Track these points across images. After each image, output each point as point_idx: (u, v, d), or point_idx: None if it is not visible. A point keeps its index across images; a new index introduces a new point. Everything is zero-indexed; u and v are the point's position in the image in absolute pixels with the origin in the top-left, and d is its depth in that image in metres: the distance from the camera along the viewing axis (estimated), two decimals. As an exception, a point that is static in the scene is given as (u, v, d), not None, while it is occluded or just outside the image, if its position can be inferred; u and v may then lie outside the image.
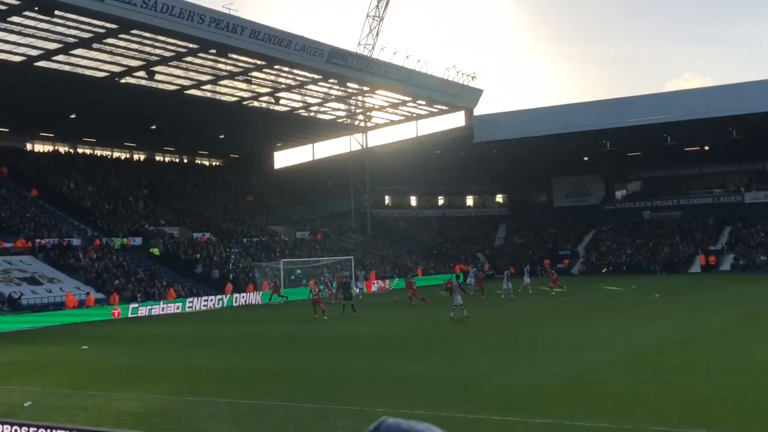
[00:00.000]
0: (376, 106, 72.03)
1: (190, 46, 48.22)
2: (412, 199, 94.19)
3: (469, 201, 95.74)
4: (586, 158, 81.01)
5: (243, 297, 51.46)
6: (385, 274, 66.75)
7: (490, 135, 73.71)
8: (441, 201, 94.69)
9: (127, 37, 45.97)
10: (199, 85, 58.11)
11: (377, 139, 79.81)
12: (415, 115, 75.01)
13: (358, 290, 50.57)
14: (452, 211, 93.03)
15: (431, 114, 74.47)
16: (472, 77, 69.49)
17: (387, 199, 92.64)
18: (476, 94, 72.62)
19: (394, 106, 71.16)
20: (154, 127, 66.01)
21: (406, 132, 78.60)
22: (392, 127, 78.76)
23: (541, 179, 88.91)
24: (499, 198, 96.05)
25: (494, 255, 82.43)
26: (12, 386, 18.99)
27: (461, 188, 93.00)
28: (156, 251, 55.51)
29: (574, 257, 79.03)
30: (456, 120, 75.37)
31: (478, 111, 74.25)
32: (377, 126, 78.65)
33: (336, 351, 24.17)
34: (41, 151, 68.54)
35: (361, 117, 76.01)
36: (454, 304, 32.96)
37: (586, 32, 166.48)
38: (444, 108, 72.47)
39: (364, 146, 79.19)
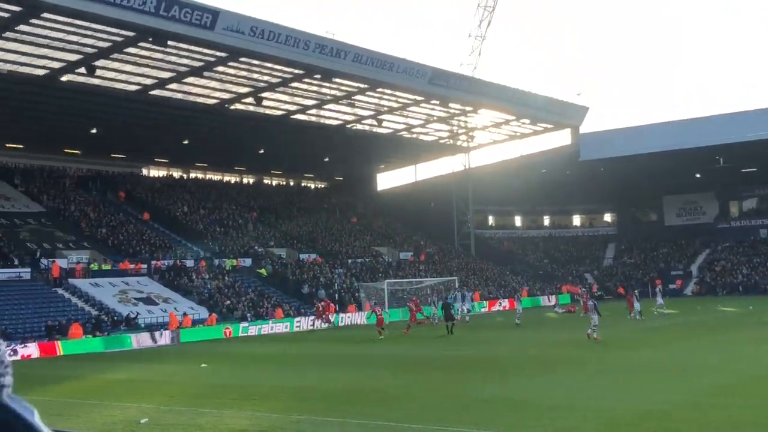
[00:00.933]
0: (479, 126, 71.74)
1: (296, 71, 49.32)
2: (517, 219, 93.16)
3: (576, 221, 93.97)
4: (698, 175, 78.26)
5: (348, 317, 51.97)
6: (490, 295, 66.11)
7: (598, 153, 72.17)
8: (547, 221, 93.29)
9: (235, 64, 47.44)
10: (304, 109, 59.32)
11: (480, 158, 79.45)
12: (518, 134, 74.30)
13: (465, 311, 50.24)
14: (558, 231, 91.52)
15: (535, 132, 73.61)
16: (578, 94, 68.42)
17: (491, 219, 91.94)
18: (582, 111, 71.39)
19: (497, 125, 70.72)
20: (262, 151, 67.74)
21: (510, 151, 77.94)
22: (495, 146, 78.24)
23: (651, 197, 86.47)
24: (608, 217, 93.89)
25: (603, 276, 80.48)
26: (128, 403, 19.67)
27: (568, 207, 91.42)
28: (263, 272, 56.77)
29: (687, 277, 76.30)
30: (561, 138, 74.25)
31: (584, 128, 72.95)
32: (480, 146, 78.29)
33: (443, 372, 24.02)
34: (156, 176, 71.35)
35: (463, 137, 75.86)
36: (592, 324, 32.29)
37: (695, 45, 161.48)
38: (549, 126, 71.53)
39: (467, 166, 78.92)
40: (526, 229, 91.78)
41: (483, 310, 60.62)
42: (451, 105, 61.14)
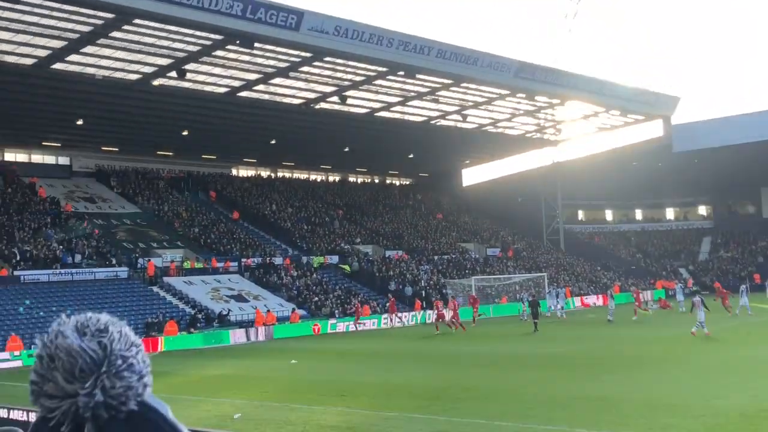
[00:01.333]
0: (567, 119, 70.47)
1: (380, 69, 49.43)
2: (608, 214, 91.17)
3: (670, 214, 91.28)
4: (799, 165, 74.90)
5: (435, 314, 51.71)
6: (581, 291, 64.90)
7: (691, 144, 69.83)
8: (639, 215, 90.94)
9: (320, 64, 47.87)
10: (388, 106, 59.42)
11: (568, 152, 78.01)
12: (608, 126, 72.64)
13: (560, 308, 49.39)
14: (651, 224, 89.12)
15: (625, 124, 71.80)
16: (667, 85, 66.37)
17: (580, 214, 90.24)
18: (673, 101, 69.25)
19: (585, 118, 69.31)
20: (347, 149, 68.24)
21: (599, 144, 76.24)
22: (584, 139, 76.70)
23: (748, 189, 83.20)
24: (702, 210, 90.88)
25: (698, 270, 77.97)
26: (222, 399, 20.07)
27: (660, 201, 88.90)
28: (347, 268, 57.21)
29: (788, 272, 73.11)
30: (652, 130, 72.16)
31: (676, 119, 70.73)
32: (568, 139, 76.89)
33: (534, 370, 23.66)
34: (245, 175, 72.75)
35: (551, 130, 74.65)
36: (698, 320, 31.45)
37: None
38: (639, 117, 69.67)
39: (555, 160, 77.66)
40: (617, 224, 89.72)
41: (576, 306, 59.34)
42: (537, 98, 60.25)
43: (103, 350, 1.65)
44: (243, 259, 53.51)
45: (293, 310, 47.20)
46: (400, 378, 22.94)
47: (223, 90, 51.24)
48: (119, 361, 1.66)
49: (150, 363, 1.76)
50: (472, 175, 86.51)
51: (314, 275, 54.66)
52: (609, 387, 19.07)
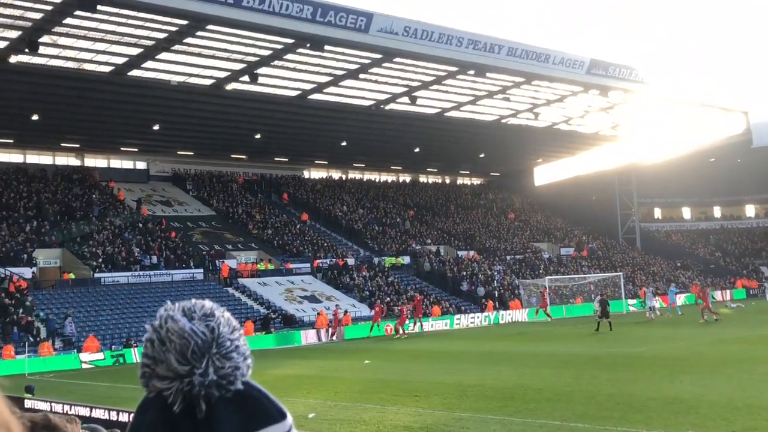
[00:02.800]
0: (641, 115, 68.98)
1: (450, 69, 49.28)
2: (685, 211, 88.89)
3: (750, 211, 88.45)
4: None
5: (509, 314, 51.38)
6: (658, 291, 63.43)
7: (771, 138, 67.68)
8: (717, 212, 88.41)
9: (390, 65, 48.00)
10: (458, 106, 59.19)
11: (643, 149, 76.32)
12: (684, 121, 70.84)
13: (674, 305, 48.36)
14: (731, 222, 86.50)
15: (703, 120, 69.91)
16: (746, 78, 64.37)
17: (657, 212, 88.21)
18: (750, 96, 67.13)
19: (659, 113, 67.75)
20: (417, 149, 68.23)
21: (675, 140, 74.38)
22: (659, 135, 74.95)
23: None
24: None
25: (781, 269, 75.40)
26: (296, 398, 20.28)
27: (740, 197, 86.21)
28: (389, 262, 57.14)
29: None
30: (731, 125, 70.11)
31: (755, 114, 68.55)
32: (643, 136, 75.23)
33: (609, 371, 23.23)
34: (316, 177, 73.44)
35: (625, 127, 73.20)
36: None
37: None
38: (716, 113, 67.78)
39: (630, 158, 76.11)
40: (695, 221, 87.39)
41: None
42: (610, 95, 59.18)
43: (211, 333, 1.74)
44: (315, 260, 54.03)
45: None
46: (473, 378, 22.81)
47: (294, 93, 51.84)
48: (228, 343, 1.75)
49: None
50: (545, 174, 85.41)
51: (386, 276, 54.83)
52: (687, 388, 18.59)
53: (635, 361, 25.35)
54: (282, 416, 1.77)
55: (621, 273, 59.67)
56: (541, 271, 61.48)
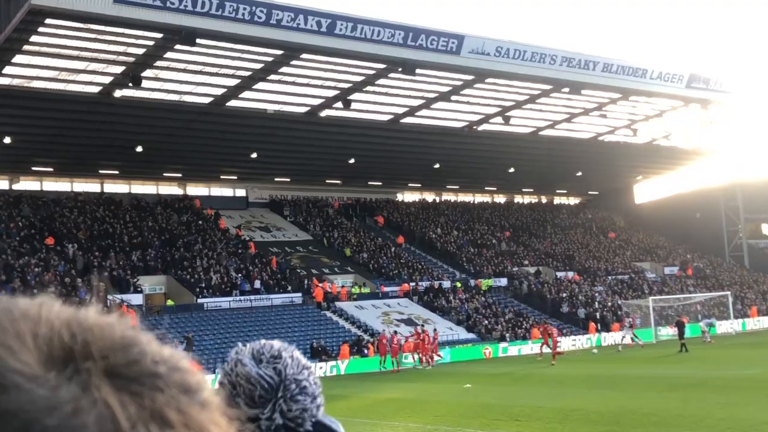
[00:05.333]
0: (745, 128, 66.47)
1: (543, 87, 48.73)
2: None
3: None
4: None
5: (611, 336, 49.98)
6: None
7: None
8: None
9: (482, 86, 47.81)
10: (553, 124, 58.41)
11: (749, 163, 73.51)
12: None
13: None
14: None
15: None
16: None
17: (765, 228, 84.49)
18: None
19: (765, 125, 65.11)
20: (512, 170, 67.54)
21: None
22: (765, 148, 72.09)
23: None
24: None
25: None
26: (397, 422, 20.17)
27: None
28: (486, 284, 56.31)
29: None
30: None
31: None
32: (747, 149, 72.48)
33: (718, 394, 22.23)
34: (410, 200, 73.55)
35: (728, 141, 70.66)
36: None
37: None
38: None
39: (735, 172, 73.37)
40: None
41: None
42: (711, 107, 57.29)
43: (278, 375, 1.78)
44: (412, 283, 53.95)
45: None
46: (576, 403, 22.20)
47: (386, 117, 52.23)
48: (293, 386, 1.78)
49: (320, 383, 1.88)
50: (646, 191, 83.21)
51: (483, 298, 54.28)
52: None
53: (746, 384, 24.19)
54: None
55: (729, 292, 57.32)
56: (645, 292, 59.69)
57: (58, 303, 0.65)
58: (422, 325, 44.22)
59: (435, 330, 43.54)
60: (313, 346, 42.01)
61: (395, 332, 43.50)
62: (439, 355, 41.80)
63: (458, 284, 55.99)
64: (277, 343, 1.86)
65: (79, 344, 0.61)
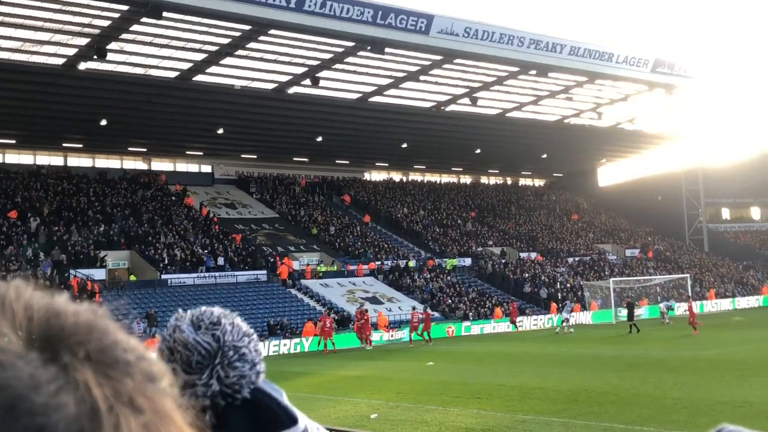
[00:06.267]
0: (708, 114, 67.48)
1: (511, 69, 49.00)
2: (754, 212, 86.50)
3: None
4: None
5: (573, 317, 50.67)
6: (726, 293, 61.95)
7: None
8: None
9: (450, 66, 47.94)
10: (520, 106, 58.79)
11: (711, 148, 74.72)
12: (753, 119, 69.11)
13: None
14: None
15: (773, 117, 68.10)
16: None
17: (725, 213, 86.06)
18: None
19: (728, 112, 66.21)
20: (478, 150, 67.93)
21: (744, 139, 72.63)
22: (727, 134, 73.28)
23: None
24: None
25: None
26: (359, 399, 20.40)
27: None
28: (450, 264, 56.85)
29: None
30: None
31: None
32: (710, 134, 73.64)
33: (675, 374, 22.78)
34: (377, 179, 73.68)
35: (691, 126, 71.70)
36: None
37: None
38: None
39: (697, 157, 74.54)
40: (765, 222, 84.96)
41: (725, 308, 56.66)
42: (676, 92, 58.05)
43: (216, 342, 1.77)
44: (377, 262, 54.19)
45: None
46: (535, 381, 22.61)
47: (354, 96, 52.16)
48: (231, 352, 1.76)
49: (261, 351, 1.85)
50: (609, 174, 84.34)
51: (447, 277, 54.71)
52: (757, 392, 18.10)
53: (703, 365, 24.78)
54: (293, 422, 1.78)
55: (688, 275, 58.42)
56: (606, 273, 60.59)
57: (31, 287, 0.68)
58: (362, 305, 43.54)
59: (425, 309, 43.28)
60: (270, 324, 42.00)
61: (414, 308, 43.80)
62: (427, 339, 40.89)
63: (454, 261, 57.33)
64: (217, 310, 1.84)
65: (57, 329, 0.64)
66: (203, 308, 1.86)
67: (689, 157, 75.06)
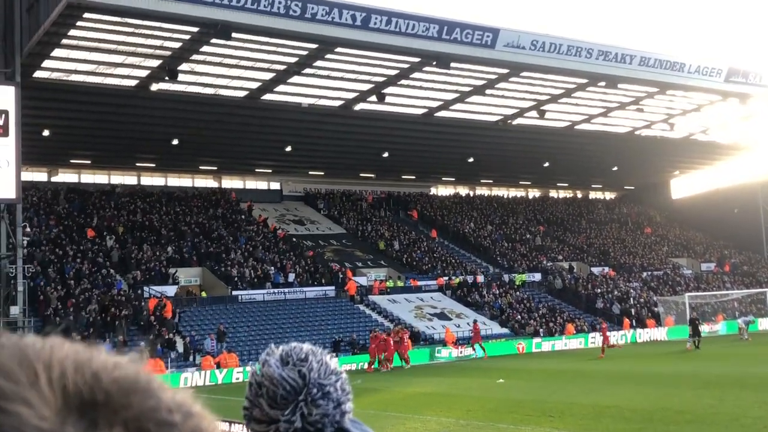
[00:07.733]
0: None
1: (579, 81, 48.32)
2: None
3: None
4: None
5: (646, 332, 49.55)
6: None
7: None
8: None
9: (517, 80, 47.53)
10: (589, 118, 57.90)
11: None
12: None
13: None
14: None
15: None
16: None
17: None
18: None
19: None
20: (546, 164, 67.08)
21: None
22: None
23: None
24: None
25: None
26: (428, 416, 20.19)
27: None
28: (520, 279, 56.02)
29: None
30: None
31: None
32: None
33: (755, 391, 21.91)
34: (444, 194, 73.38)
35: (767, 136, 69.50)
36: None
37: None
38: None
39: (774, 167, 72.08)
40: None
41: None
42: (750, 102, 56.36)
43: (302, 379, 1.78)
44: (445, 278, 53.88)
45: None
46: (609, 399, 22.04)
47: (420, 111, 52.17)
48: (315, 390, 1.77)
49: (350, 390, 1.85)
50: (683, 186, 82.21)
51: (516, 293, 54.07)
52: None
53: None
54: None
55: (767, 289, 56.41)
56: (681, 288, 59.05)
57: (68, 343, 0.65)
58: (398, 324, 43.21)
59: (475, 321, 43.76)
60: (336, 340, 42.05)
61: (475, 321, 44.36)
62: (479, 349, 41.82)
63: (524, 276, 56.81)
64: (306, 346, 1.86)
65: (94, 392, 0.61)
66: (294, 344, 1.88)
67: (765, 168, 72.69)
